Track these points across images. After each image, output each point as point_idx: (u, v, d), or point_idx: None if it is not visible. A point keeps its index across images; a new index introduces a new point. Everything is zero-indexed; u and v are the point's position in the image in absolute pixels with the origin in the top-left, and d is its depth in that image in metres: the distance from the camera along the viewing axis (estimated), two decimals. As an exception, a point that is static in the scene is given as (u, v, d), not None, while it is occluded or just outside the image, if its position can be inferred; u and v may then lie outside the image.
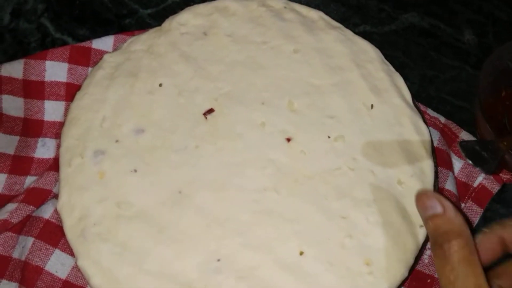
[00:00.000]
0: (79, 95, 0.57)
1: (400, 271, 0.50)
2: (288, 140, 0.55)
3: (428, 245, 0.56)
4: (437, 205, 0.43)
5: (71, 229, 0.50)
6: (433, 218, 0.43)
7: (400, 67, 0.61)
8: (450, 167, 0.59)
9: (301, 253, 0.50)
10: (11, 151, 0.58)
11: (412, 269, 0.52)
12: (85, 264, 0.49)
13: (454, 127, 0.63)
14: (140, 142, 0.54)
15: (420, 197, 0.45)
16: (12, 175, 0.57)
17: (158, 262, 0.49)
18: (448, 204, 0.43)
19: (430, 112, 0.63)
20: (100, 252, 0.49)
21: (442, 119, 0.63)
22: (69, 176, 0.53)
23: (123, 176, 0.53)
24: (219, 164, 0.53)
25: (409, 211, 0.52)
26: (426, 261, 0.56)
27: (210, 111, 0.56)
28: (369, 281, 0.49)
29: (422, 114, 0.59)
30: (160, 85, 0.57)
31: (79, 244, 0.50)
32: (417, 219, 0.52)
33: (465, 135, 0.62)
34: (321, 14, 0.63)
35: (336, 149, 0.55)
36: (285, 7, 0.62)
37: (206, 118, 0.56)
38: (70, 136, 0.54)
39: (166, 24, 0.61)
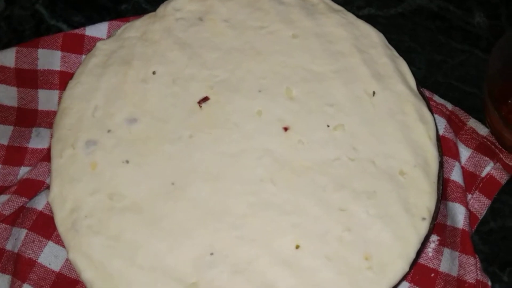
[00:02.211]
0: (71, 84, 0.55)
1: (400, 266, 0.48)
2: (286, 129, 0.53)
3: (432, 238, 0.54)
4: None
5: (63, 222, 0.49)
6: None
7: (406, 52, 0.59)
8: (456, 156, 0.57)
9: (298, 247, 0.48)
10: (4, 141, 0.57)
11: (414, 263, 0.50)
12: (76, 257, 0.48)
13: (461, 114, 0.60)
14: (133, 132, 0.53)
15: None
16: (6, 165, 0.57)
17: (151, 255, 0.48)
18: None
19: (436, 98, 0.61)
20: (92, 245, 0.48)
21: (449, 106, 0.60)
22: (60, 168, 0.51)
23: (115, 167, 0.51)
24: (214, 154, 0.52)
25: (411, 203, 0.50)
26: (430, 254, 0.54)
27: (205, 99, 0.54)
28: (369, 277, 0.47)
29: (427, 101, 0.56)
30: (154, 73, 0.55)
31: (70, 237, 0.49)
32: (420, 212, 0.50)
33: (473, 123, 0.60)
34: (322, -4, 0.60)
35: (335, 139, 0.52)
36: (284, -10, 0.60)
37: (201, 107, 0.54)
38: (61, 126, 0.53)
39: (161, 9, 0.59)
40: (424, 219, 0.49)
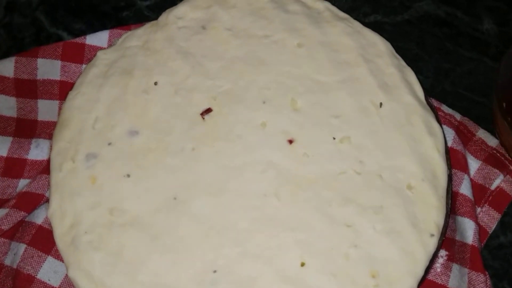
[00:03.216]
0: (71, 95, 0.54)
1: (408, 284, 0.47)
2: (290, 141, 0.51)
3: (440, 253, 0.53)
4: None
5: (62, 238, 0.48)
6: None
7: (413, 60, 0.58)
8: (465, 169, 0.55)
9: (303, 264, 0.47)
10: (3, 152, 0.56)
11: (422, 280, 0.49)
12: (76, 274, 0.47)
13: (470, 124, 0.59)
14: (134, 144, 0.51)
15: None
16: (5, 178, 0.56)
17: (152, 272, 0.47)
18: None
19: (444, 108, 0.59)
20: (92, 262, 0.47)
21: (458, 116, 0.59)
22: (60, 181, 0.50)
23: (116, 181, 0.50)
24: (216, 167, 0.50)
25: (419, 218, 0.49)
26: (439, 270, 0.53)
27: (208, 111, 0.53)
28: (375, 295, 0.46)
29: (435, 111, 0.55)
30: (156, 83, 0.54)
31: (70, 254, 0.48)
32: (428, 227, 0.48)
33: (482, 133, 0.58)
34: (327, 4, 0.59)
35: (341, 152, 0.51)
36: (289, -2, 0.59)
37: (204, 118, 0.53)
38: (61, 138, 0.52)
39: (163, 17, 0.58)
40: (432, 235, 0.48)
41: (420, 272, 0.47)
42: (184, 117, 0.53)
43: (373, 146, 0.52)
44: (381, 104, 0.53)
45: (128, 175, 0.50)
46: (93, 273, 0.47)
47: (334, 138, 0.52)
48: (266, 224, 0.48)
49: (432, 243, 0.48)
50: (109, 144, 0.51)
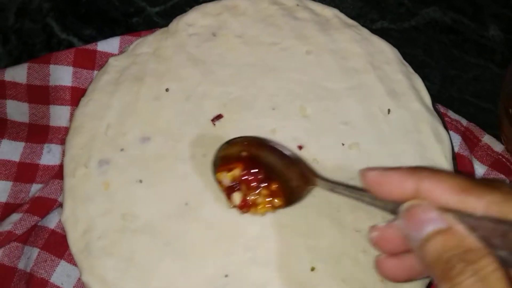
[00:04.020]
0: (83, 101, 0.55)
1: (417, 289, 0.47)
2: (300, 147, 0.52)
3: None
4: (439, 219, 0.30)
5: (75, 243, 0.49)
6: (435, 236, 0.30)
7: (420, 66, 0.58)
8: (471, 174, 0.56)
9: (313, 269, 0.48)
10: (16, 157, 0.57)
11: (430, 284, 0.49)
12: (90, 279, 0.48)
13: (476, 130, 0.59)
14: (146, 151, 0.52)
15: (410, 210, 0.31)
16: (18, 182, 0.56)
17: (164, 277, 0.48)
18: (452, 220, 0.31)
19: (451, 114, 0.60)
20: (105, 267, 0.48)
21: (464, 122, 0.60)
22: (73, 187, 0.51)
23: (129, 187, 0.51)
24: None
25: (428, 224, 0.49)
26: (445, 274, 0.53)
27: (219, 117, 0.54)
28: (384, 300, 0.47)
29: (442, 117, 0.56)
30: (167, 90, 0.55)
31: (83, 259, 0.48)
32: (436, 233, 0.49)
33: (488, 139, 0.59)
34: (336, 11, 0.59)
35: (350, 157, 0.52)
36: (297, 5, 0.59)
37: (214, 124, 0.53)
38: (74, 145, 0.53)
39: (173, 24, 0.58)
40: (440, 241, 0.49)
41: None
42: (195, 123, 0.53)
43: (382, 152, 0.52)
44: (389, 110, 0.54)
45: (141, 181, 0.51)
46: (107, 278, 0.48)
47: (343, 144, 0.52)
48: (276, 230, 0.49)
49: (440, 248, 0.49)
50: (122, 150, 0.52)
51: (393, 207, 0.33)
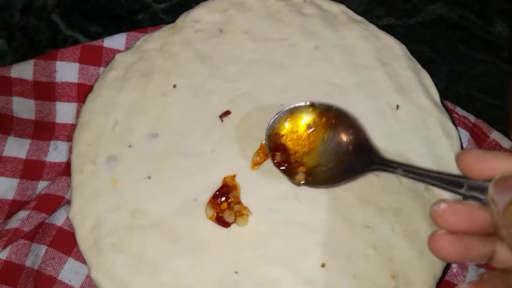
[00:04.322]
0: (90, 97, 0.54)
1: (427, 285, 0.47)
2: (309, 144, 0.52)
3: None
4: None
5: (84, 240, 0.49)
6: None
7: (426, 63, 0.58)
8: None
9: (323, 265, 0.48)
10: (22, 154, 0.57)
11: (440, 280, 0.49)
12: (99, 276, 0.47)
13: (484, 126, 0.59)
14: (154, 147, 0.52)
15: (504, 177, 0.32)
16: (24, 180, 0.56)
17: (174, 274, 0.48)
18: None
19: (458, 110, 0.60)
20: (114, 264, 0.48)
21: (472, 118, 0.59)
22: (81, 184, 0.51)
23: (137, 183, 0.51)
24: (236, 170, 0.51)
25: (437, 220, 0.49)
26: (455, 270, 0.53)
27: (227, 113, 0.53)
28: (395, 296, 0.47)
29: (450, 113, 0.55)
30: (174, 86, 0.54)
31: (92, 255, 0.48)
32: (446, 229, 0.49)
33: (496, 135, 0.59)
34: (343, 7, 0.59)
35: (359, 154, 0.52)
36: (304, 1, 0.59)
37: (222, 120, 0.53)
38: (81, 141, 0.52)
39: (180, 21, 0.58)
40: (451, 236, 0.49)
41: (438, 273, 0.48)
42: (203, 119, 0.53)
43: (391, 148, 0.52)
44: (397, 106, 0.54)
45: (149, 177, 0.51)
46: (116, 274, 0.47)
47: (352, 141, 0.52)
48: (286, 227, 0.49)
49: (451, 244, 0.49)
50: (129, 146, 0.52)
51: (474, 185, 0.33)
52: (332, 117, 0.48)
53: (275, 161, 0.48)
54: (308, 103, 0.49)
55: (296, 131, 0.48)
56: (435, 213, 0.34)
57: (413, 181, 0.50)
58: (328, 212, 0.49)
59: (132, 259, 0.48)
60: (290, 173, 0.48)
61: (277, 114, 0.49)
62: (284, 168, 0.48)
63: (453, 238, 0.34)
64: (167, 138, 0.52)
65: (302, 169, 0.48)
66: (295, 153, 0.48)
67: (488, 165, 0.33)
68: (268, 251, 0.48)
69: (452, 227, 0.34)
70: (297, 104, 0.49)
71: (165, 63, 0.56)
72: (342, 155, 0.46)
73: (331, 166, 0.47)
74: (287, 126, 0.48)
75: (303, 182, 0.47)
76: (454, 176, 0.35)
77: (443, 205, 0.34)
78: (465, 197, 0.34)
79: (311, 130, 0.48)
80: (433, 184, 0.36)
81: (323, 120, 0.48)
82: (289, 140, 0.48)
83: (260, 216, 0.49)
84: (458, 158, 0.34)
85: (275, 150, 0.48)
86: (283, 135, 0.48)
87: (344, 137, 0.47)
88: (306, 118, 0.48)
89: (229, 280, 0.47)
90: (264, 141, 0.51)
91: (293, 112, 0.49)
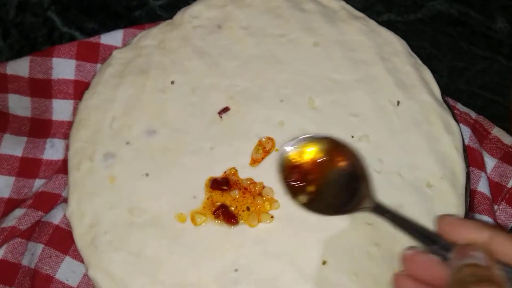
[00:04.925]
0: (87, 94, 0.54)
1: (430, 282, 0.46)
2: (309, 140, 0.51)
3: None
4: (483, 259, 0.35)
5: (81, 238, 0.48)
6: (471, 267, 0.35)
7: (427, 59, 0.57)
8: (482, 166, 0.55)
9: (324, 263, 0.47)
10: (18, 152, 0.56)
11: None
12: (96, 274, 0.47)
13: (486, 122, 0.59)
14: (152, 144, 0.51)
15: (465, 246, 0.36)
16: (20, 178, 0.55)
17: (173, 272, 0.47)
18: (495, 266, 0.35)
19: (460, 107, 0.59)
20: (112, 262, 0.47)
21: (473, 115, 0.59)
22: (78, 181, 0.50)
23: (135, 180, 0.50)
24: (235, 167, 0.50)
25: (440, 217, 0.49)
26: (457, 268, 0.52)
27: (226, 109, 0.53)
28: (397, 293, 0.46)
29: (451, 110, 0.55)
30: (172, 82, 0.54)
31: (90, 253, 0.47)
32: (449, 226, 0.48)
33: (497, 132, 0.58)
34: (342, 3, 0.59)
35: (360, 150, 0.51)
36: (304, -4, 0.58)
37: (221, 117, 0.52)
38: (78, 138, 0.52)
39: (178, 17, 0.57)
40: (453, 233, 0.48)
41: (441, 270, 0.47)
42: (201, 116, 0.52)
43: (392, 144, 0.51)
44: (398, 102, 0.53)
45: (147, 174, 0.50)
46: (114, 272, 0.47)
47: (352, 136, 0.52)
48: (286, 223, 0.48)
49: (453, 241, 0.48)
50: (127, 143, 0.51)
51: (446, 245, 0.37)
52: (342, 155, 0.48)
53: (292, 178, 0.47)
54: (327, 136, 0.49)
55: (306, 158, 0.48)
56: (402, 256, 0.38)
57: (413, 179, 0.50)
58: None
59: (131, 257, 0.47)
60: (295, 190, 0.47)
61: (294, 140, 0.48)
62: (295, 184, 0.47)
63: (411, 283, 0.38)
64: (165, 135, 0.52)
65: (311, 188, 0.47)
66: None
67: (458, 232, 0.37)
68: (269, 247, 0.47)
69: (412, 273, 0.38)
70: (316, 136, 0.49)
71: (163, 59, 0.55)
72: (341, 190, 0.47)
73: (329, 197, 0.47)
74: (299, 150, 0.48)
75: (304, 202, 0.47)
76: (433, 234, 0.38)
77: (409, 252, 0.38)
78: (435, 252, 0.37)
79: (322, 159, 0.47)
80: (412, 236, 0.40)
81: (333, 154, 0.48)
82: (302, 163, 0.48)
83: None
84: (436, 221, 0.39)
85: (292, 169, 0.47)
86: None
87: (346, 177, 0.47)
88: (319, 147, 0.48)
89: (229, 277, 0.46)
90: (263, 138, 0.50)
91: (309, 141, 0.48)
